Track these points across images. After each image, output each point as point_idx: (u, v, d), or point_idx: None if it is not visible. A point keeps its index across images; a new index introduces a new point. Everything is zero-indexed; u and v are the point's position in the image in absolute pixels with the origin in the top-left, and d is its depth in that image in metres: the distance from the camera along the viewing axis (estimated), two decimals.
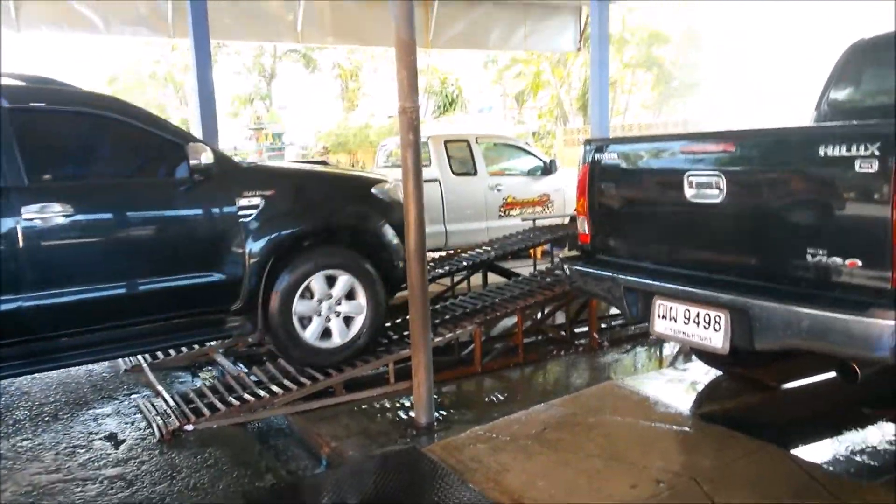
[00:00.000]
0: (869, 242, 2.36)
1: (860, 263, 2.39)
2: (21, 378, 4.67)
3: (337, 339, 4.37)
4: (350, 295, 4.38)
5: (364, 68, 27.95)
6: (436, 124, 23.02)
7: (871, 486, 2.81)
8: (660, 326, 3.05)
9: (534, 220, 7.64)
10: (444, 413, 4.03)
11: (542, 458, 3.24)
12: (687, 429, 3.45)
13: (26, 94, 3.76)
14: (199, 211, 4.03)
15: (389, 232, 4.56)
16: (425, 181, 3.79)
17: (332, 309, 4.34)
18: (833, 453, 3.28)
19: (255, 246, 4.06)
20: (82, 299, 3.65)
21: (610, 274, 3.34)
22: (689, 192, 2.95)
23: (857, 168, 2.37)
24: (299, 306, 4.23)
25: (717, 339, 2.79)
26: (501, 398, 4.46)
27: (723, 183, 2.82)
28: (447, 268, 6.61)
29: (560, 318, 5.66)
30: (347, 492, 3.12)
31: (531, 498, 2.91)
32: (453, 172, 8.44)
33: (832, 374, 3.69)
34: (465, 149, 8.68)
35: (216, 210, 4.02)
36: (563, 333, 5.52)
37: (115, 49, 25.87)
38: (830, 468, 3.08)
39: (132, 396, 4.47)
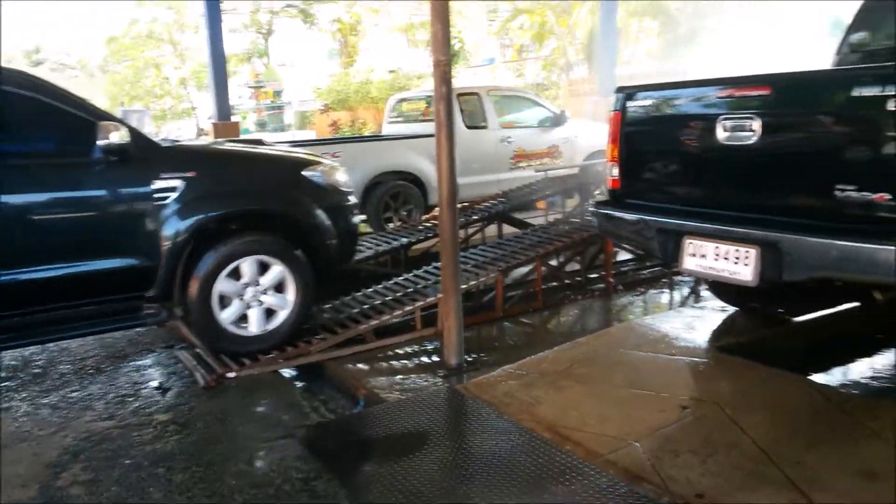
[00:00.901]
0: None
1: (888, 196, 2.52)
2: None
3: (253, 329, 4.20)
4: (279, 288, 4.25)
5: (364, 23, 27.58)
6: None
7: (884, 403, 3.00)
8: (689, 264, 3.20)
9: (546, 171, 7.73)
10: (471, 356, 4.19)
11: (572, 391, 3.42)
12: (706, 360, 3.64)
13: None
14: (111, 193, 3.82)
15: (322, 216, 4.37)
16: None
17: (256, 297, 4.18)
18: (847, 377, 3.47)
19: (172, 230, 3.88)
20: None
21: (641, 217, 3.47)
22: (721, 135, 3.06)
23: (888, 107, 2.47)
24: (222, 285, 4.07)
25: (747, 273, 2.93)
26: (525, 340, 4.63)
27: (757, 125, 2.92)
28: (462, 220, 6.74)
29: (576, 266, 5.80)
30: (390, 425, 3.31)
31: (564, 425, 3.09)
32: (466, 125, 8.49)
33: (842, 307, 3.87)
34: (477, 102, 8.72)
35: (130, 192, 3.84)
36: (578, 279, 5.67)
37: (112, 9, 25.54)
38: (845, 391, 3.26)
39: (170, 349, 4.63)
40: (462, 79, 22.77)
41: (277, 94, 26.64)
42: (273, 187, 4.34)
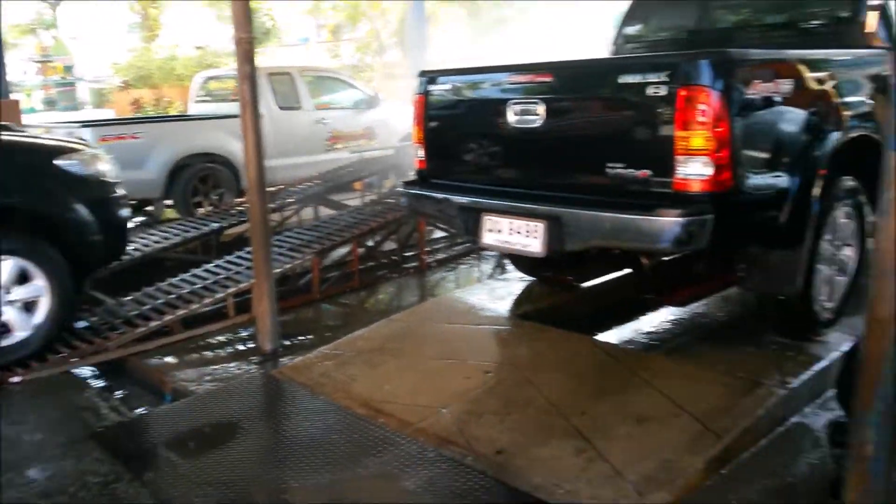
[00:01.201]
0: (657, 155, 2.81)
1: (650, 173, 2.85)
2: None
3: (20, 334, 3.78)
4: (23, 279, 3.80)
5: None
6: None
7: (654, 355, 3.42)
8: (488, 239, 3.40)
9: (362, 153, 7.78)
10: (288, 340, 4.16)
11: (386, 366, 3.52)
12: (508, 327, 3.92)
13: None
14: None
15: (81, 210, 3.98)
16: None
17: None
18: (625, 334, 3.88)
19: None
20: None
21: (444, 196, 3.63)
22: (512, 119, 3.28)
23: (648, 93, 2.79)
24: None
25: (536, 245, 3.18)
26: (343, 321, 4.67)
27: (541, 109, 3.16)
28: (276, 202, 6.62)
29: (392, 245, 5.93)
30: (199, 418, 3.21)
31: (379, 399, 3.19)
32: (279, 106, 8.28)
33: (622, 273, 4.33)
34: (289, 82, 8.52)
35: None
36: (395, 258, 5.81)
37: None
38: (623, 346, 3.66)
39: None
40: (276, 58, 22.07)
41: (68, 69, 24.18)
42: (15, 179, 3.80)
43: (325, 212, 6.92)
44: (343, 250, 5.44)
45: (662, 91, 2.75)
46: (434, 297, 4.75)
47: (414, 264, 5.74)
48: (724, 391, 2.97)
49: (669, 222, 2.70)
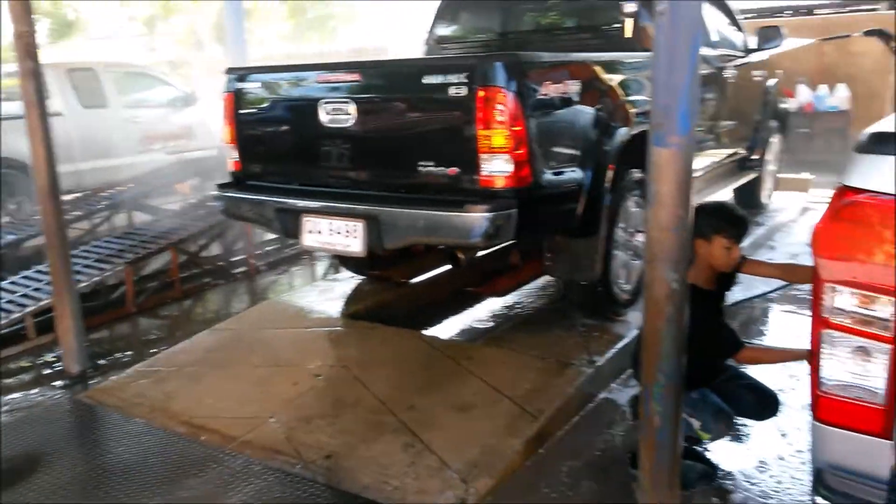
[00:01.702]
0: (463, 153, 2.92)
1: (458, 170, 2.95)
2: None
3: None
4: None
5: None
6: (54, 51, 19.94)
7: (476, 345, 3.56)
8: (309, 240, 3.36)
9: (181, 153, 7.37)
10: (100, 360, 3.87)
11: (210, 379, 3.38)
12: (337, 328, 3.90)
13: None
14: None
15: None
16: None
17: None
18: (451, 327, 4.01)
19: None
20: None
21: (261, 198, 3.53)
22: (324, 118, 3.25)
23: (450, 94, 2.88)
24: None
25: (356, 245, 3.19)
26: (162, 334, 4.42)
27: (352, 108, 3.16)
28: (84, 210, 6.12)
29: (218, 250, 5.69)
30: None
31: (201, 415, 3.06)
32: (81, 105, 7.62)
33: (447, 268, 4.48)
34: (93, 78, 7.85)
35: None
36: (220, 264, 5.57)
37: None
38: (447, 339, 3.77)
39: None
40: (82, 53, 20.23)
41: None
42: None
43: (141, 218, 6.49)
44: (162, 258, 5.14)
45: (463, 92, 2.85)
46: (263, 302, 4.62)
47: (242, 269, 5.55)
48: (539, 374, 3.15)
49: (478, 218, 2.82)
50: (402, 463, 2.61)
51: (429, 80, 2.91)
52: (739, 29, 5.40)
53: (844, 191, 1.19)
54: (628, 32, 3.98)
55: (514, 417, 2.84)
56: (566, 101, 3.12)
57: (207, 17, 20.89)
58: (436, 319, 4.04)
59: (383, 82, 3.21)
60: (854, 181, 1.18)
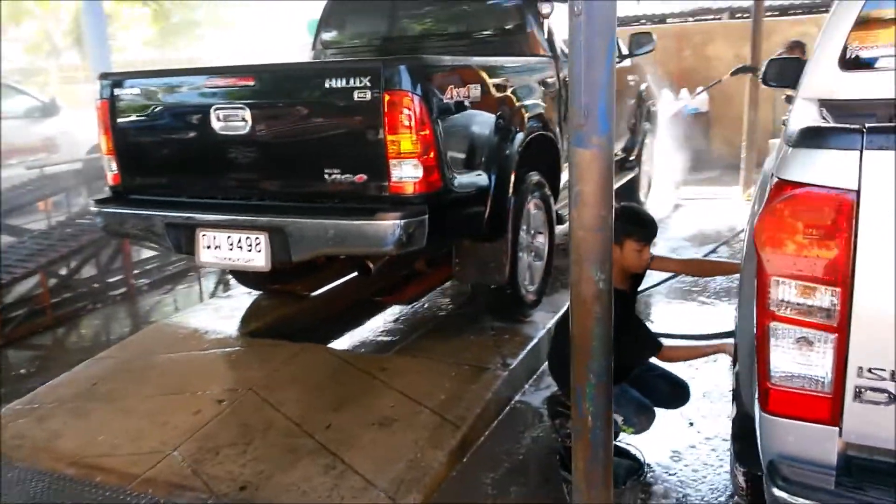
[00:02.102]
0: (370, 160, 2.83)
1: (366, 177, 2.86)
2: None
3: None
4: None
5: None
6: None
7: (388, 356, 3.47)
8: (206, 256, 3.14)
9: (41, 167, 6.77)
10: None
11: (99, 414, 3.09)
12: (238, 348, 3.68)
13: None
14: None
15: None
16: None
17: None
18: (359, 338, 3.90)
19: None
20: None
21: (148, 212, 3.27)
22: (217, 125, 3.06)
23: (355, 98, 2.79)
24: None
25: (260, 259, 3.02)
26: (37, 367, 4.03)
27: (247, 115, 2.99)
28: None
29: (92, 271, 5.26)
30: None
31: (93, 454, 2.79)
32: None
33: (349, 277, 4.37)
34: None
35: None
36: (96, 286, 5.16)
37: None
38: (358, 351, 3.67)
39: None
40: None
41: None
42: None
43: (5, 240, 5.90)
44: (29, 283, 4.68)
45: (368, 96, 2.77)
46: (150, 325, 4.29)
47: (121, 290, 5.16)
48: (456, 381, 3.12)
49: (390, 225, 2.74)
50: (324, 487, 2.48)
51: (331, 84, 2.80)
52: None
53: (782, 185, 1.22)
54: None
55: (436, 428, 2.78)
56: (470, 105, 3.10)
57: (62, 23, 19.50)
58: (342, 332, 3.92)
59: (282, 87, 3.05)
60: (791, 175, 1.22)
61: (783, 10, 10.22)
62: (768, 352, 1.26)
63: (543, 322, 3.73)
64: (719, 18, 13.79)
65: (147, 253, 5.90)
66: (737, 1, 15.04)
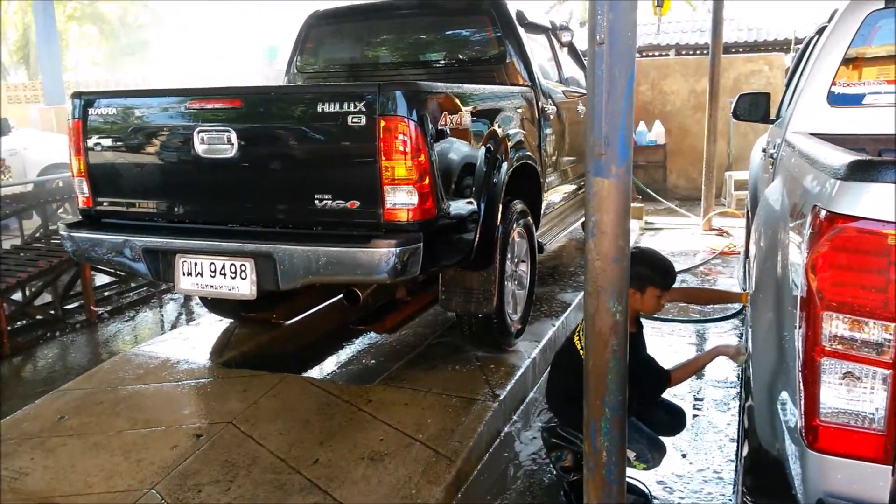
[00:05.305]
0: (364, 185, 2.77)
1: (359, 203, 2.79)
2: None
3: None
4: None
5: None
6: None
7: (372, 386, 3.36)
8: (186, 283, 3.00)
9: None
10: None
11: (67, 449, 2.91)
12: (213, 379, 3.53)
13: None
14: None
15: None
16: None
17: None
18: (340, 369, 3.79)
19: None
20: None
21: (123, 237, 3.12)
22: (200, 148, 2.95)
23: (349, 123, 2.73)
24: None
25: (245, 287, 2.90)
26: None
27: (233, 138, 2.90)
28: None
29: (49, 298, 5.01)
30: None
31: (64, 493, 2.61)
32: None
33: (325, 304, 4.25)
34: None
35: None
36: (53, 313, 4.91)
37: None
38: (341, 382, 3.55)
39: None
40: None
41: None
42: None
43: None
44: None
45: (362, 121, 2.71)
46: (117, 355, 4.08)
47: (81, 318, 4.92)
48: (445, 412, 3.04)
49: (385, 253, 2.68)
50: None
51: (323, 108, 2.74)
52: (583, 67, 5.73)
53: (834, 218, 1.21)
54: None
55: (430, 462, 2.70)
56: (461, 133, 3.07)
57: (8, 42, 18.98)
58: (319, 361, 3.81)
59: (270, 110, 2.96)
60: (843, 208, 1.21)
61: (726, 48, 10.55)
62: (818, 388, 1.25)
63: (528, 351, 3.69)
64: (667, 55, 14.28)
65: (105, 278, 5.68)
66: (684, 38, 15.60)
